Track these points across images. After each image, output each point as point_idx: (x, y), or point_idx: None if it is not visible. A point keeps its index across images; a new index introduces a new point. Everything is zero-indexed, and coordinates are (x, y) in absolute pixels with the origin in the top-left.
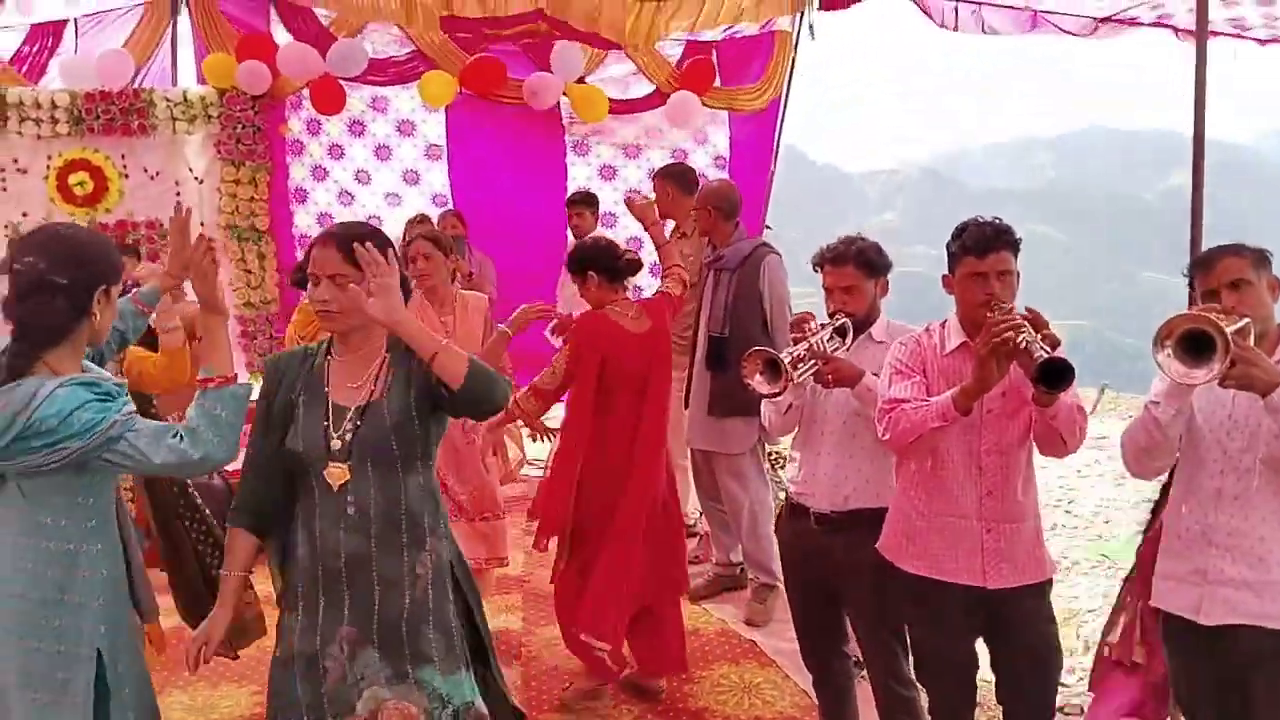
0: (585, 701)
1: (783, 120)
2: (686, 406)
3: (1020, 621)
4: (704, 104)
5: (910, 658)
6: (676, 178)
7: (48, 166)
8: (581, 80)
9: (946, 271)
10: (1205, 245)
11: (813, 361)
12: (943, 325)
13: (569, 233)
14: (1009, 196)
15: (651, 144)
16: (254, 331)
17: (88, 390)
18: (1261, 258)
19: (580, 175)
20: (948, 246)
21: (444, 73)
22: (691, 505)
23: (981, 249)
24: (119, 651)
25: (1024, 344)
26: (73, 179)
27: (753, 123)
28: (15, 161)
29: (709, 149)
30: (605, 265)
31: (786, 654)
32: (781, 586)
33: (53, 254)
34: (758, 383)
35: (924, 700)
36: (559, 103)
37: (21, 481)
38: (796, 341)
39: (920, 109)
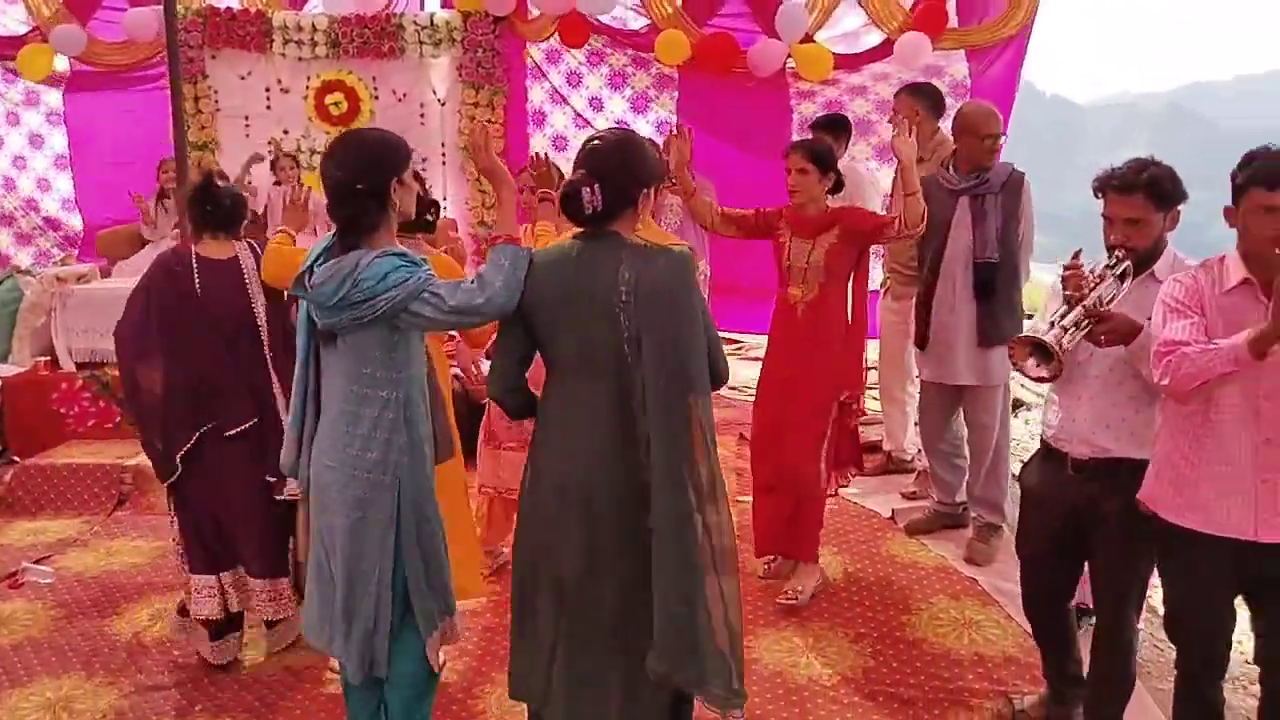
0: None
1: (1026, 51)
2: (918, 342)
3: None
4: (936, 48)
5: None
6: (927, 95)
7: (307, 87)
8: (809, 38)
9: (1229, 204)
10: None
11: (1086, 321)
12: (1221, 261)
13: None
14: (1266, 137)
15: (879, 81)
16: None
17: (399, 259)
18: None
19: (807, 111)
20: (1233, 176)
21: (679, 32)
22: (910, 440)
23: (1274, 180)
24: (418, 485)
25: None
26: (329, 99)
27: (996, 53)
28: (279, 82)
29: (946, 79)
30: None
31: (1009, 594)
32: (1007, 528)
33: (347, 164)
34: (1030, 367)
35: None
36: (784, 67)
37: (347, 336)
38: (1070, 301)
39: (1161, 36)
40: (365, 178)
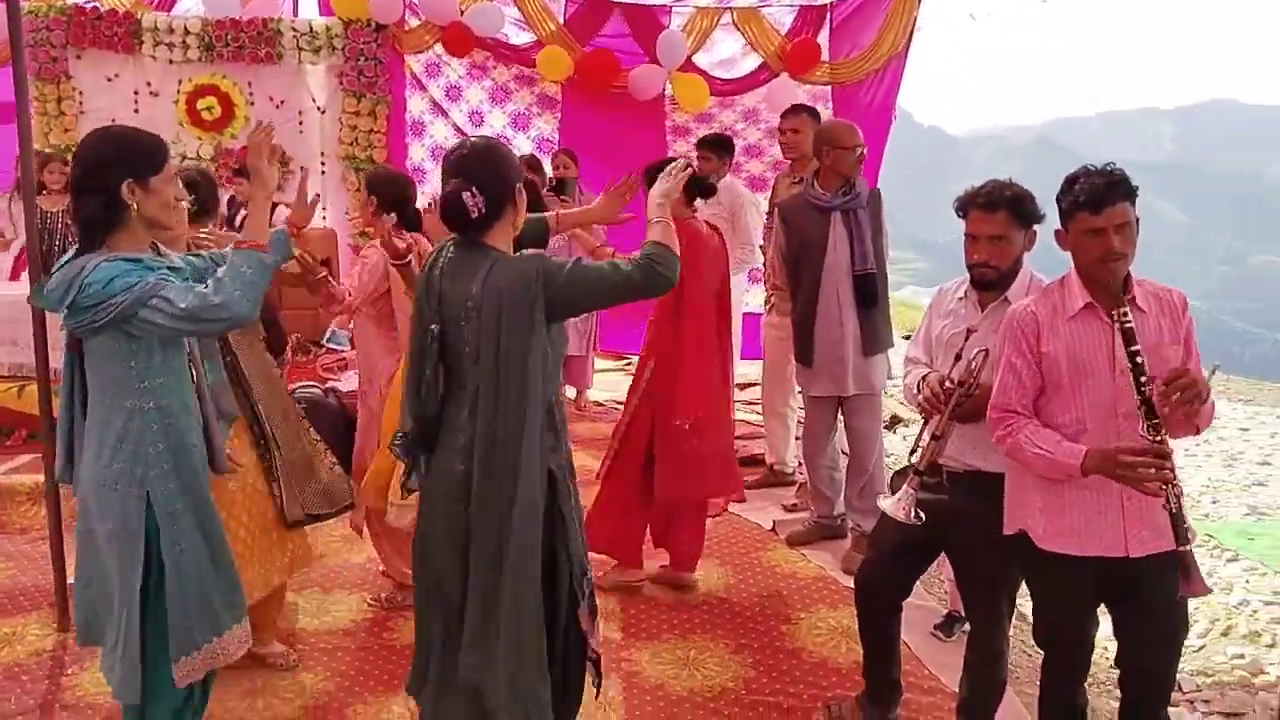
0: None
1: (901, 79)
2: (802, 358)
3: (1157, 590)
4: (809, 81)
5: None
6: (810, 110)
7: (178, 90)
8: (689, 61)
9: (1059, 226)
10: None
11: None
12: (1062, 284)
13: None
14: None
15: (749, 125)
16: None
17: (129, 263)
18: None
19: (680, 151)
20: (1058, 200)
21: (561, 49)
22: (791, 454)
23: (1096, 203)
24: (173, 498)
25: (1164, 496)
26: (201, 103)
27: (867, 85)
28: (148, 85)
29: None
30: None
31: None
32: None
33: (79, 160)
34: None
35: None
36: (663, 94)
37: (89, 343)
38: (928, 419)
39: (1031, 73)
40: (91, 178)
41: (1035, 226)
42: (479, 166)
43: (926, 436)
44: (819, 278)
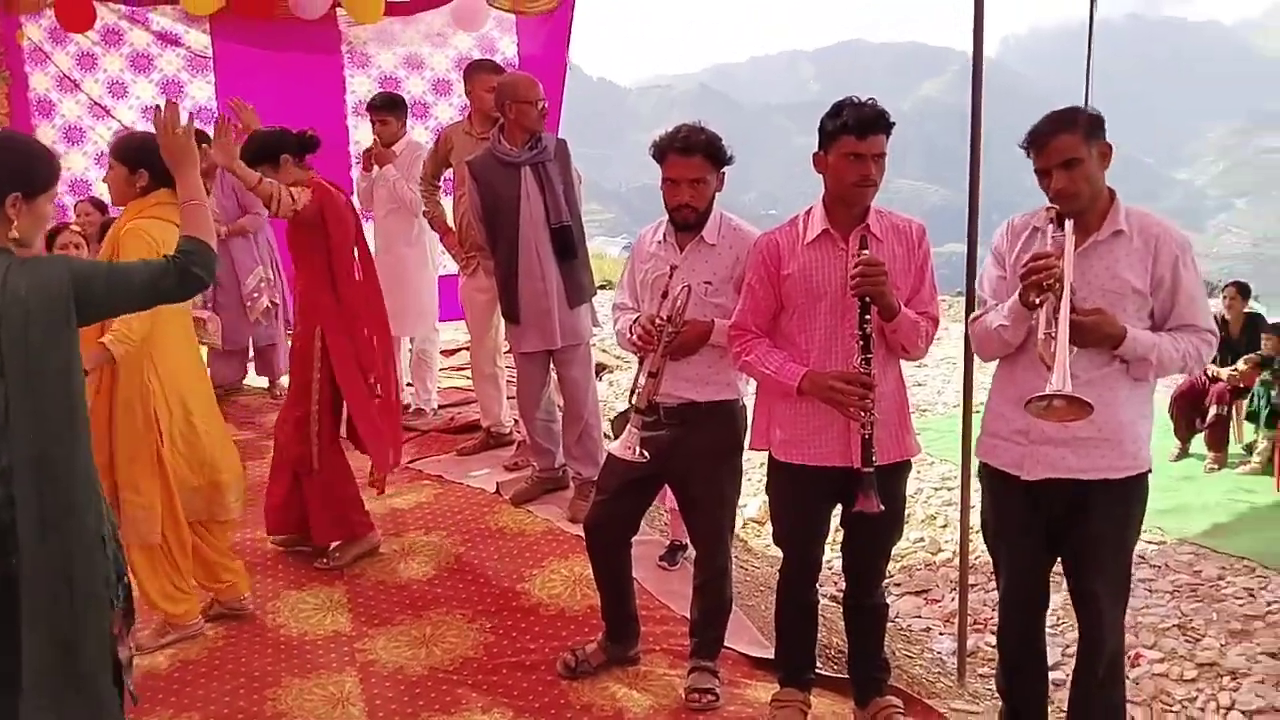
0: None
1: (571, 26)
2: (510, 316)
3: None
4: (491, 4)
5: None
6: (491, 64)
7: None
8: None
9: (819, 151)
10: (982, 155)
11: (656, 369)
12: (808, 213)
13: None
14: (779, 110)
15: (436, 51)
16: None
17: None
18: (1094, 125)
19: (361, 88)
20: (822, 125)
21: None
22: (506, 414)
23: (862, 129)
24: None
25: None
26: None
27: (543, 29)
28: None
29: (498, 58)
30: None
31: None
32: None
33: None
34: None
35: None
36: (334, 11)
37: None
38: (643, 358)
39: (689, 21)
40: None
41: (724, 170)
42: None
43: (643, 376)
44: (516, 234)
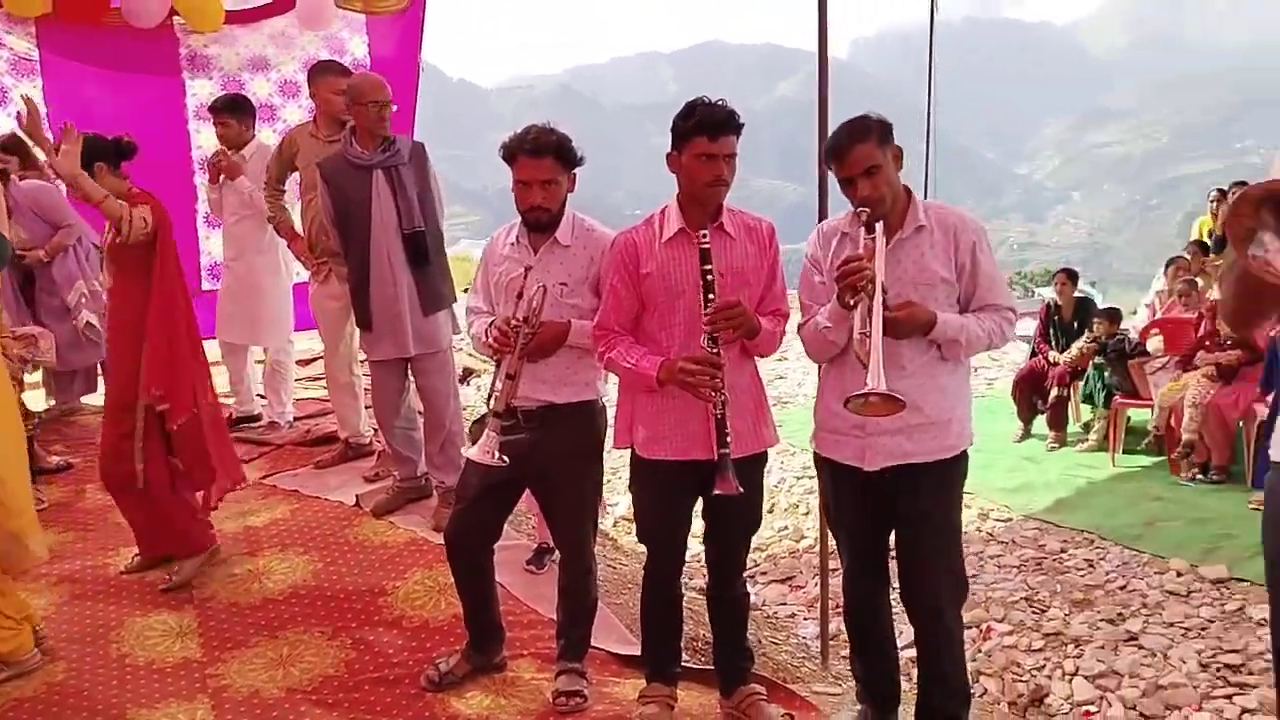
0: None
1: (424, 26)
2: (362, 323)
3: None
4: (339, 5)
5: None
6: (338, 66)
7: None
8: None
9: (672, 151)
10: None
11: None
12: (663, 212)
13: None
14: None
15: (281, 53)
16: None
17: None
18: (885, 131)
19: (203, 91)
20: (675, 126)
21: None
22: (365, 424)
23: (714, 130)
24: None
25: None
26: None
27: (394, 29)
28: None
29: (347, 60)
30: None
31: None
32: None
33: None
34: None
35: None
36: (170, 20)
37: None
38: (500, 361)
39: (550, 22)
40: None
41: (575, 170)
42: None
43: (500, 379)
44: (368, 239)
